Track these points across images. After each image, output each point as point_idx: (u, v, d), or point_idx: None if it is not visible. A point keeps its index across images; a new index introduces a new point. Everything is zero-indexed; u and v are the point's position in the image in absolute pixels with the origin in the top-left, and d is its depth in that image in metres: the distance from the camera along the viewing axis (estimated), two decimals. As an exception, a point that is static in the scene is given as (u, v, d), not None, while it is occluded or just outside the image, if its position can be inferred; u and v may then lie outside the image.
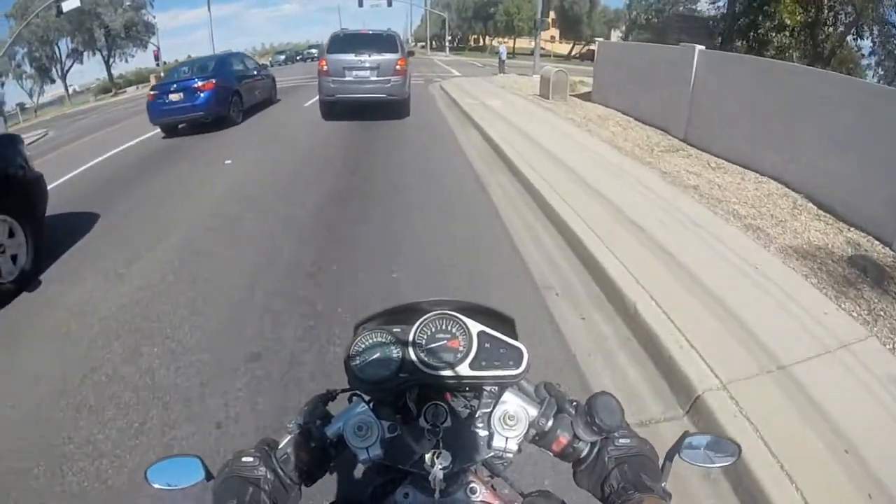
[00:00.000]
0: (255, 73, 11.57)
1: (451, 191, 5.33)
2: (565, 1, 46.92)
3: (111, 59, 39.24)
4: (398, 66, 9.11)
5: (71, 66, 39.11)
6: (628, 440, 0.71)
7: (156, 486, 0.71)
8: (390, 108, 9.50)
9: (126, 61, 40.41)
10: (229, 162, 6.99)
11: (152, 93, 9.39)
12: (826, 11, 14.60)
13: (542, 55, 47.81)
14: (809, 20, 14.26)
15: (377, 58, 9.03)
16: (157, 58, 36.20)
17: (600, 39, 11.75)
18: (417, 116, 9.81)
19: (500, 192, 5.23)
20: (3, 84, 37.26)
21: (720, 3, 17.02)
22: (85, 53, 38.73)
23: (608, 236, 3.64)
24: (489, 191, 5.25)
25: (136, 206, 5.42)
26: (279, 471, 0.69)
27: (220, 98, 9.38)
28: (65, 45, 37.39)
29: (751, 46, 14.17)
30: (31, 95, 38.80)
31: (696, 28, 16.93)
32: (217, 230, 4.52)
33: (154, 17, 39.71)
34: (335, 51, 9.24)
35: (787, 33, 14.09)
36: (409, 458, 0.71)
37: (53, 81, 39.53)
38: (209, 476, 0.70)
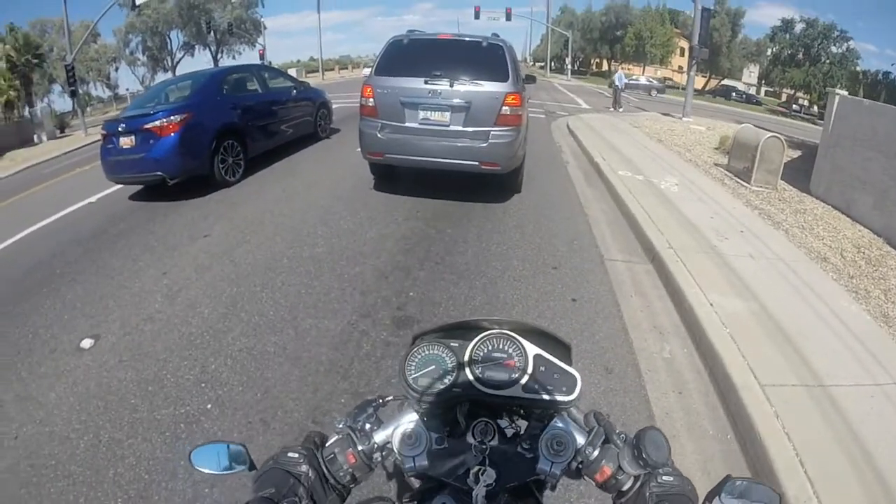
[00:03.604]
0: (287, 97, 7.34)
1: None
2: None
3: (219, 55, 39.00)
4: (506, 108, 4.49)
5: (182, 58, 39.47)
6: (671, 478, 0.65)
7: (199, 468, 0.70)
8: (487, 179, 5.08)
9: (234, 58, 40.02)
10: (88, 345, 2.82)
11: (103, 132, 5.63)
12: None
13: (669, 87, 41.09)
14: None
15: (466, 89, 4.54)
16: (262, 57, 34.90)
17: (841, 93, 6.27)
18: (535, 198, 5.23)
19: None
20: (117, 69, 38.39)
21: None
22: (196, 47, 38.88)
23: None
24: None
25: None
26: (323, 469, 0.68)
27: (195, 145, 5.36)
28: (176, 38, 37.67)
29: None
30: (142, 82, 39.72)
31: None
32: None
33: (261, 17, 38.94)
34: (390, 70, 4.80)
35: None
36: (453, 472, 0.71)
37: (166, 71, 40.22)
38: (252, 466, 0.69)
